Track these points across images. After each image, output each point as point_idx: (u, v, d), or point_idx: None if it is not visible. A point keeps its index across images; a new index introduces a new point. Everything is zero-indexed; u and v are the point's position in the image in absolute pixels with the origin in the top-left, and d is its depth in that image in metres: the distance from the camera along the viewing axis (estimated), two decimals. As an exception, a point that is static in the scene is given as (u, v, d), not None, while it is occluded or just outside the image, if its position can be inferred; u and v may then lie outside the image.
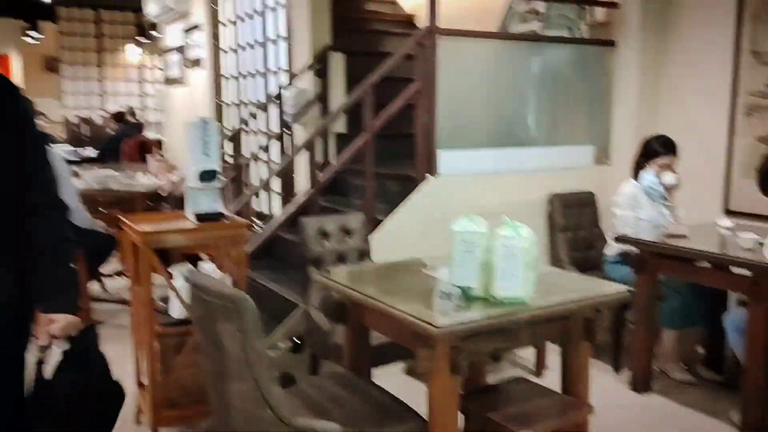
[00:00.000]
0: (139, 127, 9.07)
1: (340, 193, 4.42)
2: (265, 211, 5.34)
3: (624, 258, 3.47)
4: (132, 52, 11.82)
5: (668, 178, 3.37)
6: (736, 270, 2.83)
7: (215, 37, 6.15)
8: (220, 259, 2.90)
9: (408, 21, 5.75)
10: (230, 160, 4.73)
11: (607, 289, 2.21)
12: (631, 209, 3.41)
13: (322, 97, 4.48)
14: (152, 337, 2.57)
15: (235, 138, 4.47)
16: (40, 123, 6.12)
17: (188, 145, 2.79)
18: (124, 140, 7.42)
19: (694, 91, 3.79)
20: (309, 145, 3.29)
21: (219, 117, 6.20)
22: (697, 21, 3.74)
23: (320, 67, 4.45)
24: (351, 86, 4.11)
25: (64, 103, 11.35)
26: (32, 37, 11.12)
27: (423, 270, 2.43)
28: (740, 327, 2.78)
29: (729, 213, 3.56)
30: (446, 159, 3.50)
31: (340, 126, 4.44)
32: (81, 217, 3.88)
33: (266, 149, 4.84)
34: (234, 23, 5.80)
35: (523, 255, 1.96)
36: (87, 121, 11.02)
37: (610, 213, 3.54)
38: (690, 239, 3.02)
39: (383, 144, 3.73)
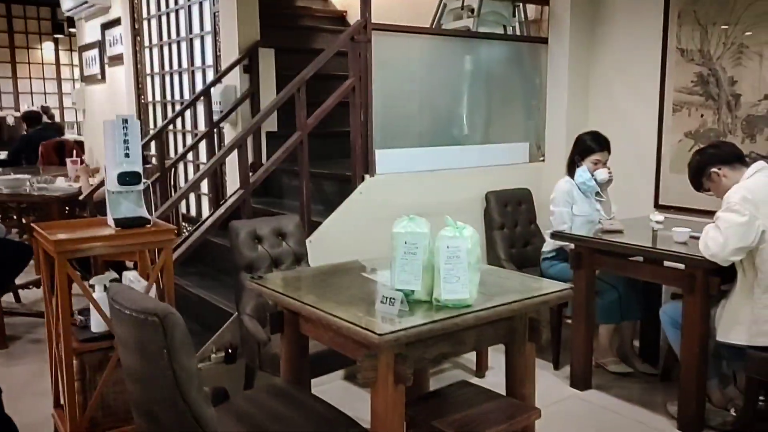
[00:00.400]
0: (57, 128, 8.59)
1: (273, 194, 4.27)
2: (194, 214, 5.12)
3: (560, 254, 3.49)
4: (47, 50, 11.20)
5: (601, 174, 3.40)
6: (670, 264, 2.86)
7: (137, 32, 5.86)
8: (144, 267, 2.72)
9: (340, 17, 5.64)
10: (155, 161, 4.48)
11: (549, 287, 2.17)
12: (567, 205, 3.43)
13: (252, 95, 4.31)
14: (70, 353, 2.37)
15: (159, 137, 4.24)
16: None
17: (107, 146, 2.59)
18: (42, 142, 6.99)
19: (625, 87, 3.85)
20: (238, 145, 3.13)
21: (142, 116, 5.91)
22: (625, 18, 3.80)
23: (249, 63, 4.27)
24: (281, 83, 3.96)
25: (-28, 103, 10.65)
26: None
27: (363, 274, 2.33)
28: (675, 320, 2.82)
29: (660, 207, 3.63)
30: (383, 158, 3.41)
31: (271, 124, 4.29)
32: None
33: (193, 149, 4.62)
34: (158, 18, 5.53)
35: (467, 256, 1.89)
36: (1, 122, 10.37)
37: (546, 209, 3.55)
38: (624, 234, 3.04)
39: (318, 143, 3.61)
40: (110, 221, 2.59)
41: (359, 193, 3.33)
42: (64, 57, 11.47)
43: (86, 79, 7.85)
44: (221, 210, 3.20)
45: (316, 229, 3.24)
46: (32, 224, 2.61)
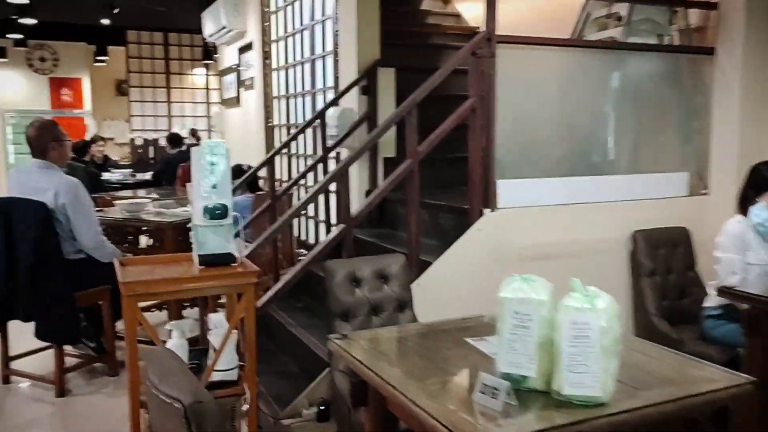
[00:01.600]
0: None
1: (387, 224, 3.93)
2: (313, 240, 4.92)
3: (729, 312, 2.81)
4: (198, 74, 11.83)
5: (786, 214, 2.70)
6: None
7: (266, 55, 5.83)
8: (232, 308, 2.47)
9: (472, 33, 5.23)
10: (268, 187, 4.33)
11: (718, 377, 1.60)
12: (739, 252, 2.76)
13: (370, 118, 4.02)
14: (137, 402, 2.14)
15: (271, 162, 4.07)
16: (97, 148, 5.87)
17: (193, 176, 2.37)
18: (180, 164, 7.23)
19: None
20: (339, 175, 2.83)
21: (269, 139, 5.86)
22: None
23: (367, 84, 3.99)
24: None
25: (132, 126, 11.44)
26: (101, 61, 11.28)
27: (467, 339, 1.89)
28: None
29: None
30: (507, 189, 2.95)
31: (389, 149, 3.96)
32: (104, 252, 3.55)
33: (309, 174, 4.41)
34: (284, 40, 5.45)
35: (600, 337, 1.39)
36: (152, 143, 11.05)
37: (710, 254, 2.88)
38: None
39: (436, 169, 3.22)
40: (195, 257, 2.36)
41: (477, 230, 2.88)
42: (212, 81, 12.05)
43: (225, 103, 8.07)
44: (319, 247, 2.88)
45: (424, 270, 2.83)
46: (117, 259, 2.45)
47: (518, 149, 3.12)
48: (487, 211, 2.90)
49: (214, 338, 2.28)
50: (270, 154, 4.12)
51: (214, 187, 2.35)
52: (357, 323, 2.45)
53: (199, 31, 8.14)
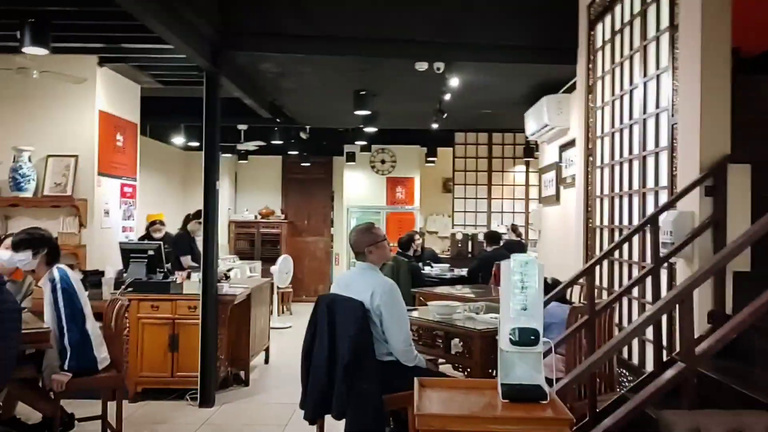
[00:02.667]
0: (516, 248, 8.80)
1: (737, 357, 3.13)
2: (634, 357, 4.25)
3: None
4: (518, 172, 11.97)
5: None
6: None
7: (589, 152, 5.48)
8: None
9: None
10: (583, 299, 3.85)
11: None
12: None
13: (716, 224, 3.35)
14: None
15: (591, 272, 3.62)
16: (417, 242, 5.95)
17: (501, 294, 2.11)
18: (496, 262, 7.18)
19: None
20: (682, 297, 2.29)
21: (589, 241, 5.40)
22: None
23: (713, 183, 3.35)
24: (760, 209, 2.93)
25: (454, 221, 11.97)
26: (431, 161, 12.19)
27: None
28: None
29: None
30: None
31: (741, 262, 3.22)
32: (409, 357, 3.51)
33: (637, 285, 3.84)
34: (610, 136, 5.05)
35: None
36: (470, 238, 11.36)
37: None
38: None
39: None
40: (498, 387, 2.07)
41: None
42: (532, 179, 12.06)
43: (543, 200, 7.87)
44: (650, 389, 2.33)
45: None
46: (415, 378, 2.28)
47: None
48: None
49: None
50: (590, 263, 3.69)
51: (523, 308, 2.05)
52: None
53: (522, 130, 8.20)
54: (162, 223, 7.63)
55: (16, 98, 6.31)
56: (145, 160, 7.85)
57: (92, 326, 4.11)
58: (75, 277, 4.20)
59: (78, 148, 6.36)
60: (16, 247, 4.06)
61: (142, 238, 7.31)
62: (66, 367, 3.93)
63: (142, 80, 7.18)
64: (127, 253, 5.80)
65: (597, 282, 4.59)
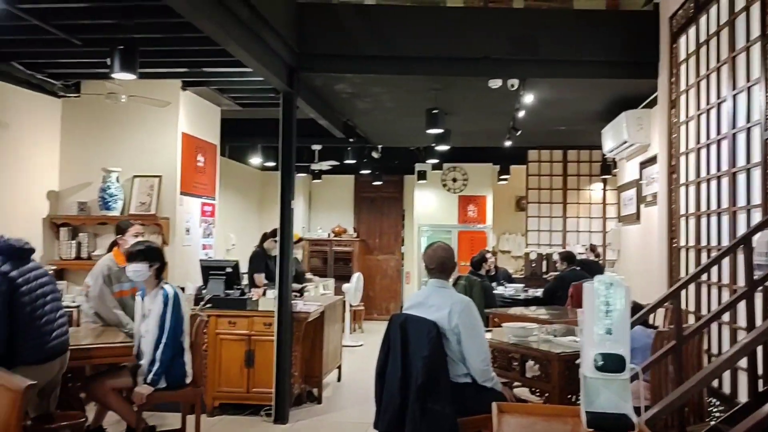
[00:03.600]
0: (594, 269, 8.52)
1: None
2: (725, 385, 3.99)
3: None
4: (595, 190, 11.62)
5: None
6: None
7: (672, 169, 5.25)
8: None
9: None
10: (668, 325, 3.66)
11: None
12: None
13: (817, 245, 3.12)
14: None
15: (676, 296, 3.44)
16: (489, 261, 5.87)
17: (585, 318, 2.03)
18: (573, 283, 6.97)
19: None
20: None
21: (674, 262, 5.16)
22: None
23: (813, 202, 3.13)
24: None
25: (528, 240, 11.73)
26: (504, 179, 12.01)
27: None
28: None
29: None
30: None
31: None
32: (487, 377, 3.43)
33: (728, 310, 3.62)
34: (695, 152, 4.82)
35: None
36: (545, 258, 11.09)
37: None
38: None
39: None
40: (582, 415, 1.98)
41: None
42: (609, 197, 11.69)
43: (623, 219, 7.61)
44: (746, 423, 2.18)
45: None
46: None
47: None
48: None
49: None
50: (677, 286, 3.50)
51: (608, 332, 1.96)
52: None
53: (599, 146, 7.97)
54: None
55: (105, 122, 6.67)
56: (223, 179, 8.10)
57: (187, 343, 4.28)
58: (183, 296, 4.40)
59: (162, 168, 6.63)
60: (133, 257, 4.23)
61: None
62: (149, 380, 4.07)
63: (222, 103, 7.44)
64: (207, 270, 5.97)
65: (683, 305, 4.36)
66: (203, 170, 7.23)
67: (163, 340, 4.10)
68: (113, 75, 4.70)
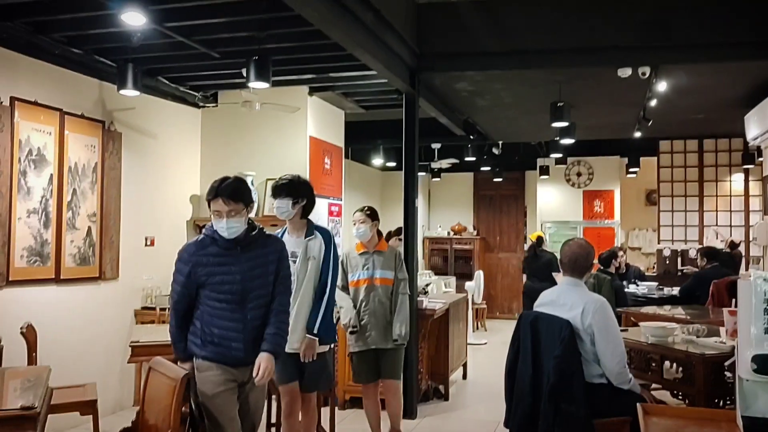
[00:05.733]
0: (734, 264, 7.95)
1: None
2: None
3: None
4: (736, 181, 10.79)
5: None
6: None
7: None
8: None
9: None
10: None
11: None
12: None
13: None
14: None
15: None
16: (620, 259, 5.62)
17: (740, 315, 1.92)
18: (713, 281, 6.53)
19: None
20: None
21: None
22: None
23: None
24: None
25: (660, 236, 11.12)
26: (633, 172, 11.44)
27: None
28: None
29: None
30: None
31: None
32: (623, 379, 3.31)
33: None
34: None
35: None
36: (680, 254, 10.45)
37: None
38: None
39: None
40: (738, 419, 1.87)
41: None
42: (753, 188, 10.81)
43: (769, 212, 7.02)
44: None
45: None
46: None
47: None
48: None
49: None
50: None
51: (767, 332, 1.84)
52: None
53: (741, 134, 7.41)
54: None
55: (240, 129, 7.08)
56: (347, 180, 8.35)
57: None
58: None
59: (292, 171, 6.87)
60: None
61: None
62: (316, 330, 3.61)
63: (346, 106, 7.67)
64: (335, 268, 6.17)
65: None
66: (330, 172, 7.49)
67: (328, 285, 3.65)
68: (249, 84, 4.99)
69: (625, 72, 5.77)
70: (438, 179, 12.50)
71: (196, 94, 6.88)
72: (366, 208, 4.53)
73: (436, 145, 10.54)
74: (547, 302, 3.58)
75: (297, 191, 3.69)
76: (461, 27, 5.78)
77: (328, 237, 3.75)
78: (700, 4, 5.46)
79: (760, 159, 8.62)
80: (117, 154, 5.89)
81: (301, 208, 3.71)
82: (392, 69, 5.28)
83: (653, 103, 6.74)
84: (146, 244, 6.26)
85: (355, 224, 4.46)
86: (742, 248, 10.16)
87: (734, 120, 7.35)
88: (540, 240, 8.78)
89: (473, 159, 10.31)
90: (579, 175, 12.16)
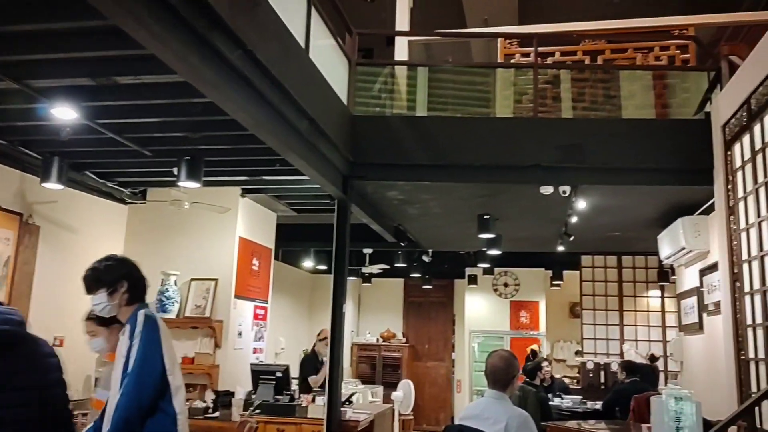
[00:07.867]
0: (651, 379, 8.11)
1: None
2: None
3: None
4: (653, 297, 11.25)
5: None
6: None
7: (735, 277, 5.08)
8: None
9: None
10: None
11: None
12: None
13: None
14: None
15: (750, 411, 3.23)
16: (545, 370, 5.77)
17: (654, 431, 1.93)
18: (633, 395, 6.62)
19: None
20: None
21: (742, 375, 4.87)
22: None
23: None
24: None
25: (584, 348, 11.31)
26: (557, 285, 11.78)
27: None
28: None
29: None
30: None
31: None
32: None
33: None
34: (758, 260, 4.68)
35: None
36: (602, 367, 10.61)
37: None
38: None
39: None
40: None
41: None
42: (669, 304, 11.29)
43: (684, 329, 7.31)
44: None
45: None
46: None
47: None
48: None
49: None
50: (749, 403, 3.30)
51: (680, 453, 1.85)
52: None
53: (655, 253, 7.81)
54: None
55: (167, 227, 6.95)
56: (275, 283, 8.22)
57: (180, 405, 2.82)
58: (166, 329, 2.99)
59: (218, 272, 6.80)
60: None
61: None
62: None
63: (278, 208, 7.69)
64: (257, 374, 5.95)
65: (757, 424, 4.08)
66: (257, 273, 7.37)
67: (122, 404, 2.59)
68: (179, 183, 4.96)
69: (547, 189, 6.07)
70: (369, 284, 12.48)
71: (123, 190, 6.77)
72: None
73: (367, 250, 10.61)
74: (471, 416, 3.52)
75: (109, 275, 2.90)
76: (393, 139, 6.00)
77: (134, 323, 2.75)
78: (613, 132, 5.91)
79: (674, 277, 9.06)
80: (33, 249, 5.64)
81: (126, 293, 2.90)
82: (325, 175, 5.37)
83: (574, 219, 7.08)
84: (54, 344, 5.86)
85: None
86: (660, 363, 10.43)
87: (649, 239, 7.77)
88: (534, 353, 8.67)
89: (404, 265, 10.41)
90: (506, 285, 12.42)
